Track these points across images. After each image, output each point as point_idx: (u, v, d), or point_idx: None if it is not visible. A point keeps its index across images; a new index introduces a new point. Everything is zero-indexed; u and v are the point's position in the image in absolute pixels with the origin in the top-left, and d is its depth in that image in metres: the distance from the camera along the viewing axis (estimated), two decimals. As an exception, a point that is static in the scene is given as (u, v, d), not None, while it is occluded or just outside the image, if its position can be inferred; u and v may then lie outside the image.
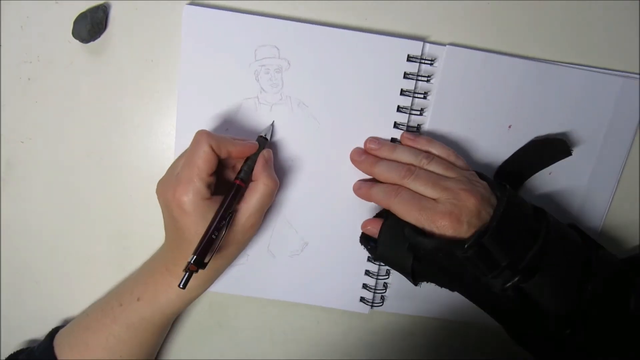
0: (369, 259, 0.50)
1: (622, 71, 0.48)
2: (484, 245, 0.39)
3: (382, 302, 0.52)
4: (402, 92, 0.46)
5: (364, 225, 0.47)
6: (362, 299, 0.51)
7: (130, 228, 0.50)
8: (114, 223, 0.50)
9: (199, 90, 0.45)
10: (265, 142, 0.44)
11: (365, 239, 0.47)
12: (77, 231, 0.50)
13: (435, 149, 0.45)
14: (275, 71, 0.45)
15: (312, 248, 0.49)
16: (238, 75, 0.45)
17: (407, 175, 0.42)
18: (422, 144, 0.45)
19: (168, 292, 0.43)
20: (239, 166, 0.43)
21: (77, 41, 0.45)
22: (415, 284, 0.44)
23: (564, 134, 0.48)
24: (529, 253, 0.39)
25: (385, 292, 0.51)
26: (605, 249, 0.44)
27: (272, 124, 0.46)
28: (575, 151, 0.48)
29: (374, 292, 0.51)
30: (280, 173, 0.47)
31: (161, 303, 0.44)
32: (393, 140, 0.47)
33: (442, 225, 0.40)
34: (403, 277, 0.44)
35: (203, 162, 0.39)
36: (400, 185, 0.43)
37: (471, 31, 0.47)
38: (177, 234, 0.41)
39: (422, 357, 0.55)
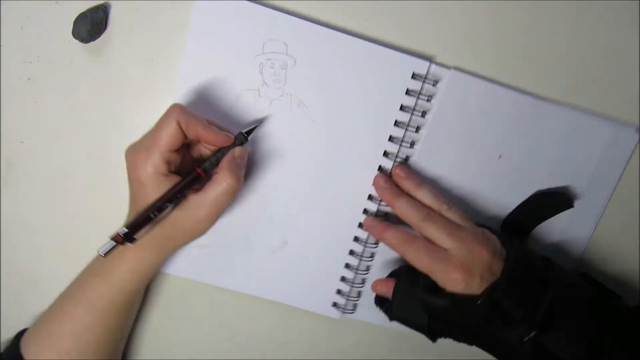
0: (346, 266, 0.50)
1: (615, 119, 0.48)
2: (496, 300, 0.39)
3: (354, 310, 0.52)
4: (402, 108, 0.46)
5: (374, 285, 0.47)
6: (334, 304, 0.51)
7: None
8: (114, 223, 0.50)
9: (199, 87, 0.45)
10: (244, 140, 0.43)
11: (380, 301, 0.47)
12: (77, 231, 0.50)
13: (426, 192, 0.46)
14: (281, 67, 0.45)
15: (292, 247, 0.49)
16: (242, 64, 0.45)
17: (427, 219, 0.43)
18: (412, 184, 0.46)
19: (120, 266, 0.43)
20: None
21: (77, 41, 0.45)
22: (434, 341, 0.44)
23: (566, 187, 0.49)
24: (542, 305, 0.39)
25: (358, 300, 0.51)
26: (620, 297, 0.44)
27: (259, 125, 0.46)
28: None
29: (347, 299, 0.51)
30: (270, 168, 0.47)
31: (115, 278, 0.43)
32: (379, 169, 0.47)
33: (454, 278, 0.40)
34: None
35: (166, 137, 0.38)
36: (415, 235, 0.43)
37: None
38: (132, 202, 0.41)
39: None
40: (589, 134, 0.48)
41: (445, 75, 0.46)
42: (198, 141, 0.42)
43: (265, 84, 0.46)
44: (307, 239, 0.49)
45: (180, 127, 0.39)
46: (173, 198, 0.39)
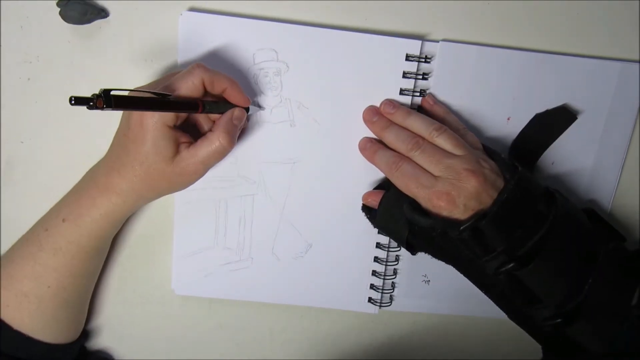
0: (375, 260, 0.50)
1: (620, 59, 0.48)
2: (479, 229, 0.39)
3: (391, 302, 0.52)
4: (402, 92, 0.46)
5: (365, 197, 0.47)
6: (370, 300, 0.51)
7: (129, 228, 0.50)
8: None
9: None
10: (248, 108, 0.44)
11: (367, 209, 0.48)
12: (77, 231, 0.50)
13: (448, 122, 0.45)
14: (274, 74, 0.45)
15: (317, 250, 0.49)
16: (237, 79, 0.45)
17: (414, 148, 0.43)
18: (439, 112, 0.46)
19: (91, 211, 0.41)
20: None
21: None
22: (413, 254, 0.45)
23: (564, 104, 0.48)
24: (531, 240, 0.39)
25: (393, 291, 0.51)
26: (622, 238, 0.44)
27: (260, 109, 0.46)
28: (577, 139, 0.49)
29: (382, 292, 0.51)
30: (282, 176, 0.48)
31: (86, 223, 0.42)
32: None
33: (437, 205, 0.40)
34: (411, 277, 0.45)
35: (187, 93, 0.38)
36: (403, 157, 0.43)
37: (470, 27, 0.47)
38: (122, 146, 0.40)
39: (433, 355, 0.55)
40: (597, 77, 0.48)
41: (437, 49, 0.46)
42: (218, 98, 0.41)
43: (262, 93, 0.46)
44: (331, 239, 0.49)
45: (203, 85, 0.39)
46: (160, 95, 0.37)
